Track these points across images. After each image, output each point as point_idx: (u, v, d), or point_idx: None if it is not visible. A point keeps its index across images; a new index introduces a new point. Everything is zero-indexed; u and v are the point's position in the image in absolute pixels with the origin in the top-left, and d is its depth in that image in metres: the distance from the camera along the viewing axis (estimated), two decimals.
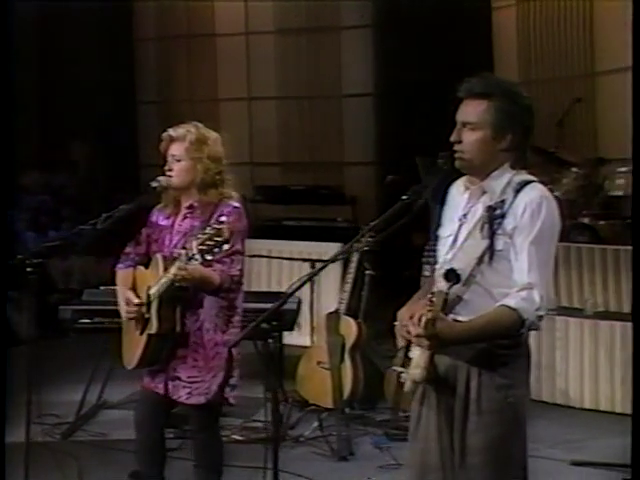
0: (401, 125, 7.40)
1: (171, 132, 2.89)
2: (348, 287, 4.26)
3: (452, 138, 2.18)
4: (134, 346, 2.88)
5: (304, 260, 4.45)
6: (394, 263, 5.33)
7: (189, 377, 2.83)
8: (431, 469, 2.26)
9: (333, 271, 5.17)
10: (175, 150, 2.87)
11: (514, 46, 6.88)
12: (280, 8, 7.90)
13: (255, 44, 8.00)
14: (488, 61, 6.92)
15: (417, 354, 2.18)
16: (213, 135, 2.92)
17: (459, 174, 2.32)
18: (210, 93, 8.10)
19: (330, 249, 5.71)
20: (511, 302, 2.09)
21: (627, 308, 4.52)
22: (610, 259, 4.59)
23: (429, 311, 2.04)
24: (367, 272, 4.34)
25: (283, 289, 5.61)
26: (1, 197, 5.45)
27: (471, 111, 2.16)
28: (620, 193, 4.90)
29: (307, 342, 4.69)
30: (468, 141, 2.16)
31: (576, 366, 4.54)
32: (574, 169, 5.09)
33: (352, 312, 4.32)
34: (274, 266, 5.95)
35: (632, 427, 3.04)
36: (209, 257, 2.53)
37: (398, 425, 4.19)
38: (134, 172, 8.27)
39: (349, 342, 4.21)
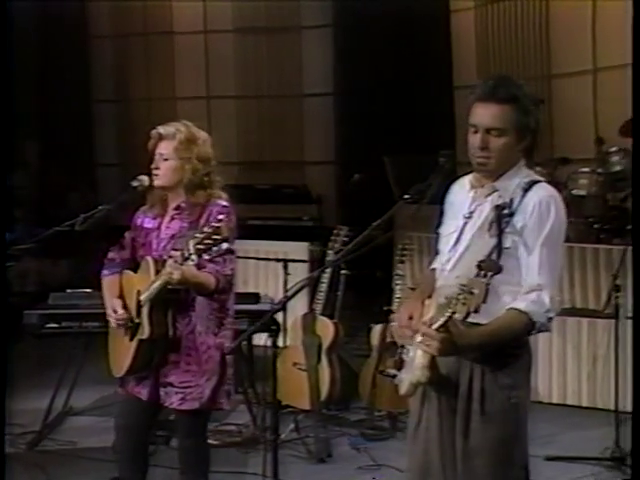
0: (361, 124, 7.44)
1: (160, 130, 2.79)
2: (324, 287, 4.23)
3: (478, 144, 2.16)
4: (123, 353, 2.78)
5: (277, 260, 4.40)
6: (369, 263, 5.34)
7: (182, 382, 2.75)
8: (432, 470, 2.24)
9: (302, 271, 5.15)
10: (163, 149, 2.78)
11: (472, 48, 6.99)
12: (239, 7, 7.85)
13: (214, 43, 7.93)
14: (447, 62, 7.02)
15: (419, 355, 2.14)
16: (203, 135, 2.83)
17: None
18: (168, 92, 7.99)
19: (297, 248, 5.70)
20: (521, 305, 2.09)
21: (593, 305, 4.63)
22: (576, 257, 4.69)
23: (464, 304, 1.93)
24: (342, 272, 4.33)
25: (250, 289, 5.57)
26: None
27: (497, 116, 2.14)
28: (583, 193, 5.01)
29: (279, 343, 4.63)
30: (495, 147, 2.15)
31: (544, 362, 4.63)
32: (538, 168, 5.17)
33: (327, 312, 4.30)
34: (240, 266, 5.87)
35: (632, 427, 3.10)
36: (207, 256, 2.47)
37: (374, 425, 4.21)
38: (89, 171, 8.11)
39: (326, 343, 4.19)
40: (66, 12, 7.67)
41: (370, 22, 7.22)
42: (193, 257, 2.45)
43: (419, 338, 2.13)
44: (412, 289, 4.51)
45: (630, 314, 4.08)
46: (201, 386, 2.75)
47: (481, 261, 2.02)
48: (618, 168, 5.06)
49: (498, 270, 2.00)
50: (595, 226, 4.90)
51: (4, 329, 2.80)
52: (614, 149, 5.12)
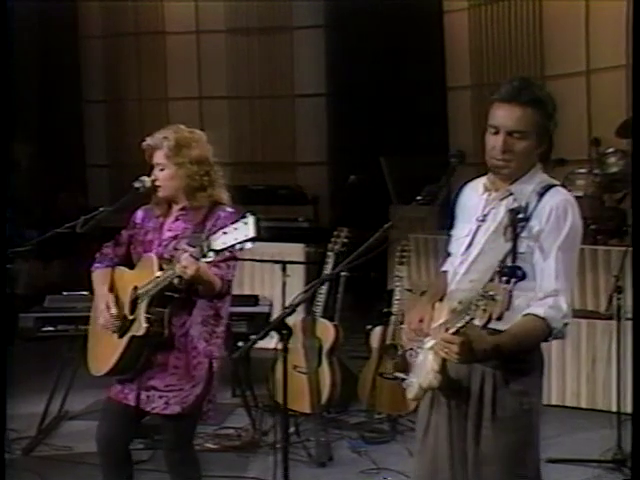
0: (354, 125, 7.42)
1: (148, 141, 2.73)
2: (324, 289, 4.20)
3: (500, 147, 2.11)
4: (108, 351, 2.69)
5: (276, 262, 4.35)
6: (364, 264, 5.31)
7: (167, 385, 2.68)
8: (442, 476, 2.21)
9: (298, 273, 5.11)
10: (158, 158, 2.73)
11: (466, 49, 6.99)
12: (231, 7, 7.82)
13: (206, 43, 7.90)
14: (440, 63, 7.02)
15: (430, 359, 2.11)
16: (197, 136, 2.75)
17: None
18: (159, 92, 7.94)
19: (293, 249, 5.67)
20: (539, 311, 2.05)
21: (592, 305, 4.63)
22: None
23: (484, 310, 1.88)
24: (342, 274, 4.29)
25: (245, 292, 5.53)
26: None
27: (520, 119, 2.10)
28: (580, 194, 5.00)
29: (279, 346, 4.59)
30: (517, 150, 2.11)
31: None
32: None
33: (327, 314, 4.27)
34: None
35: (632, 427, 3.09)
36: (228, 254, 2.42)
37: (373, 428, 4.17)
38: (80, 172, 8.03)
39: (326, 345, 4.16)
40: (57, 12, 7.59)
41: (362, 22, 7.20)
42: (211, 254, 2.38)
43: (432, 342, 2.10)
44: (409, 290, 4.50)
45: (628, 315, 4.08)
46: (186, 391, 2.68)
47: (503, 267, 1.98)
48: (615, 169, 5.06)
49: (522, 277, 1.97)
50: (592, 227, 4.90)
51: (4, 332, 2.74)
52: (611, 150, 5.13)
